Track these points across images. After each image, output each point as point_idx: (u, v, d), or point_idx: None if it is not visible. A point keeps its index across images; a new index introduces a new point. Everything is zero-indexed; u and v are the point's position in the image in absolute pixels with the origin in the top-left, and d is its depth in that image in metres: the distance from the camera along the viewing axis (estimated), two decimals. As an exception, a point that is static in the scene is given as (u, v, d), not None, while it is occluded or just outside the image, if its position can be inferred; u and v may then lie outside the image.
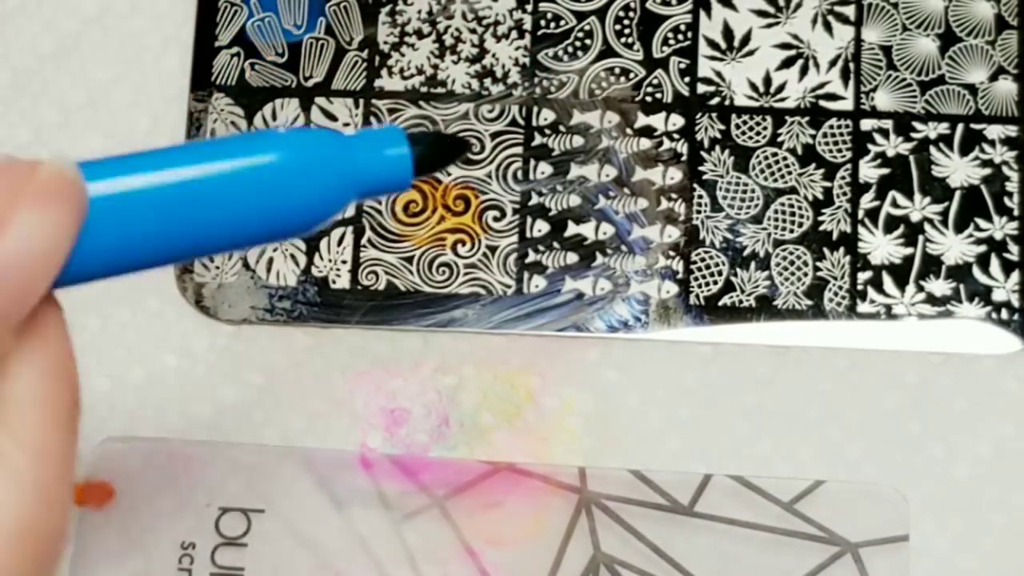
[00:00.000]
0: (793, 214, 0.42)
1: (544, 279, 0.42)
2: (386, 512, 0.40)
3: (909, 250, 0.42)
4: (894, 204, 0.42)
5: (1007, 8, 0.43)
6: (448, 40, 0.43)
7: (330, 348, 0.41)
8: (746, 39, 0.43)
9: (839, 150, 0.42)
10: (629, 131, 0.42)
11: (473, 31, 0.43)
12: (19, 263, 0.25)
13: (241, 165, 0.28)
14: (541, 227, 0.42)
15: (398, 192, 0.32)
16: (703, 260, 0.42)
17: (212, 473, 0.40)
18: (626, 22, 0.43)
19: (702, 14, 0.43)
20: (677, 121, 0.43)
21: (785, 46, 0.43)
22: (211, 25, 0.43)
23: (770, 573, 0.39)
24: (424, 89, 0.43)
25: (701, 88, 0.43)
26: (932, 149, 0.42)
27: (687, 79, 0.43)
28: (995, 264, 0.41)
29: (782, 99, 0.43)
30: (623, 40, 0.43)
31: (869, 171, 0.42)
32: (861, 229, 0.42)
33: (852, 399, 0.41)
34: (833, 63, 0.43)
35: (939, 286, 0.41)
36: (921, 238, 0.42)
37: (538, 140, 0.42)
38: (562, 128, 0.43)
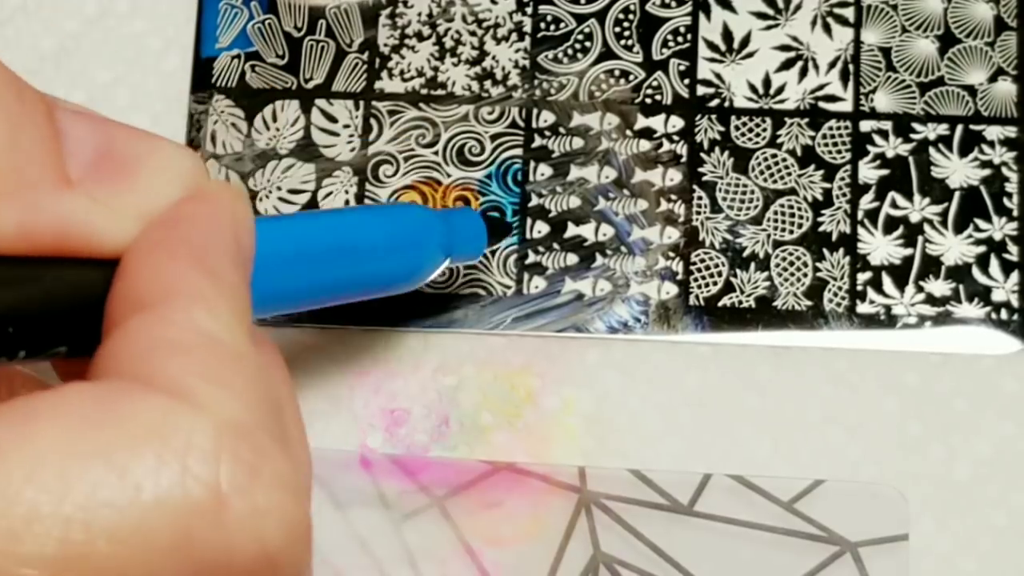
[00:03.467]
0: (793, 215, 0.42)
1: (544, 280, 0.42)
2: (386, 512, 0.40)
3: (908, 251, 0.42)
4: (893, 205, 0.42)
5: (1006, 9, 0.43)
6: (448, 42, 0.43)
7: (330, 348, 0.41)
8: (745, 41, 0.43)
9: (838, 151, 0.42)
10: (629, 133, 0.43)
11: (473, 34, 0.43)
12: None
13: (376, 231, 0.36)
14: (541, 228, 0.42)
15: (473, 258, 0.40)
16: (703, 261, 0.42)
17: (212, 473, 0.40)
18: (626, 24, 0.43)
19: (701, 16, 0.43)
20: (677, 123, 0.43)
21: (784, 48, 0.43)
22: (211, 27, 0.43)
23: (770, 572, 0.39)
24: (424, 91, 0.43)
25: (701, 90, 0.43)
26: (931, 150, 0.42)
27: (687, 81, 0.43)
28: (995, 264, 0.41)
29: (781, 101, 0.43)
30: (623, 42, 0.43)
31: (868, 172, 0.42)
32: (860, 230, 0.42)
33: (852, 399, 0.41)
34: (832, 65, 0.43)
35: (939, 287, 0.41)
36: (920, 239, 0.42)
37: (538, 142, 0.43)
38: (562, 130, 0.43)
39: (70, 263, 0.25)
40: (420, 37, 0.43)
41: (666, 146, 0.42)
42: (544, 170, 0.42)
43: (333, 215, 0.37)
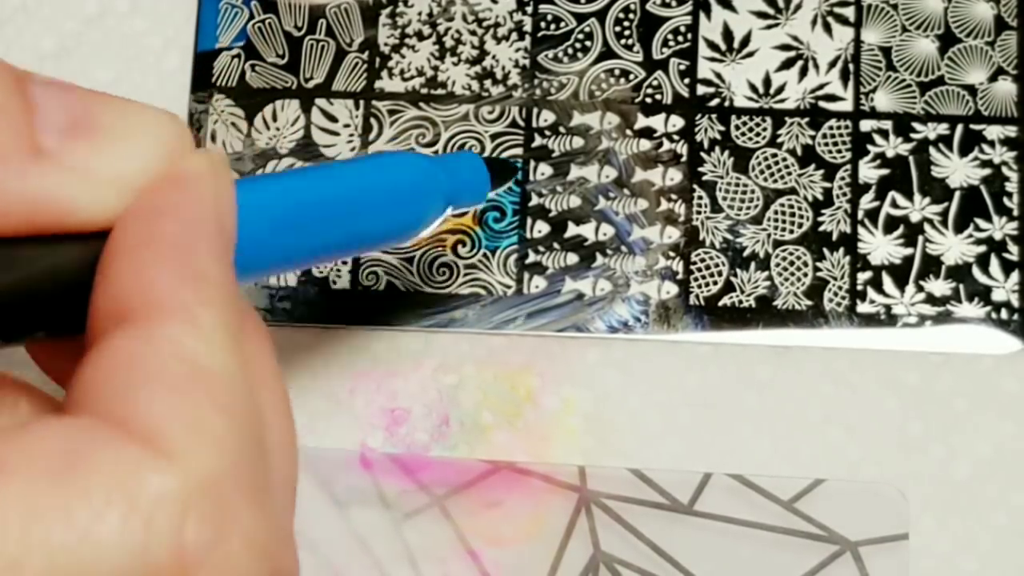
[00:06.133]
0: (793, 215, 0.42)
1: (544, 280, 0.42)
2: (386, 511, 0.40)
3: (909, 250, 0.42)
4: (894, 204, 0.42)
5: (1007, 9, 0.43)
6: (448, 42, 0.43)
7: (330, 348, 0.41)
8: (746, 40, 0.43)
9: (839, 151, 0.42)
10: (629, 132, 0.43)
11: (473, 33, 0.43)
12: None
13: (369, 184, 0.33)
14: (541, 228, 0.42)
15: (477, 204, 0.38)
16: (703, 261, 0.42)
17: (212, 473, 0.40)
18: (626, 24, 0.43)
19: (702, 16, 0.43)
20: (677, 122, 0.43)
21: (785, 47, 0.43)
22: (211, 26, 0.43)
23: (770, 571, 0.39)
24: (424, 91, 0.43)
25: (701, 89, 0.43)
26: (932, 150, 0.42)
27: (687, 80, 0.43)
28: (995, 264, 0.41)
29: (782, 100, 0.43)
30: (623, 42, 0.43)
31: (869, 172, 0.42)
32: (861, 229, 0.42)
33: (852, 399, 0.41)
34: (832, 64, 0.43)
35: (939, 286, 0.41)
36: (921, 238, 0.42)
37: (538, 141, 0.43)
38: (562, 129, 0.43)
39: (48, 240, 0.23)
40: (420, 36, 0.43)
41: (666, 145, 0.42)
42: (544, 169, 0.42)
43: (323, 171, 0.35)
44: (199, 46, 0.43)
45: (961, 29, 0.43)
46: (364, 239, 0.34)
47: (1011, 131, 0.42)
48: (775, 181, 0.42)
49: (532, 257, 0.42)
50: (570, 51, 0.43)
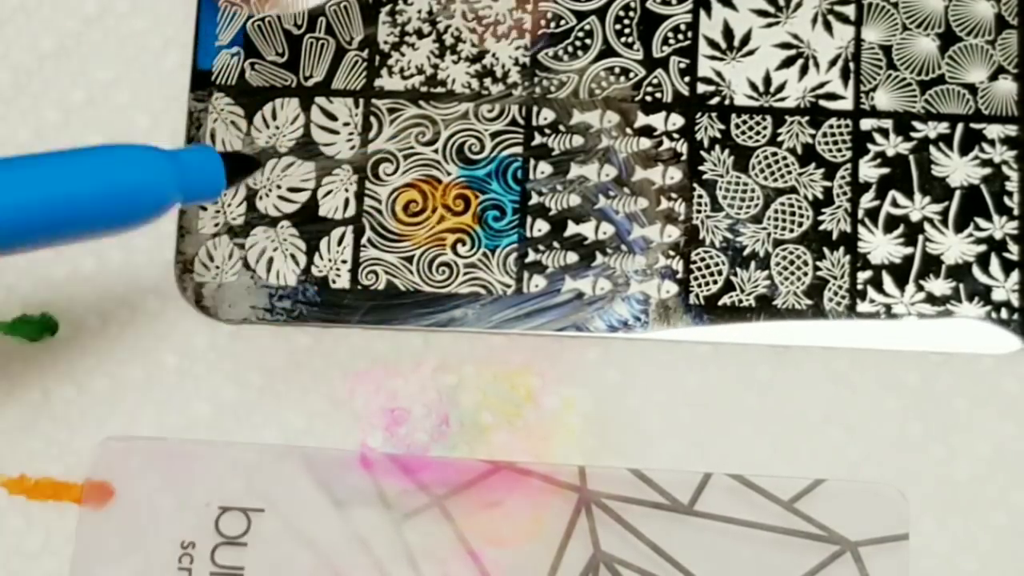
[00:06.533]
0: (793, 214, 0.42)
1: (544, 279, 0.42)
2: (386, 511, 0.40)
3: (909, 250, 0.42)
4: (894, 204, 0.42)
5: (1007, 8, 0.43)
6: (448, 40, 0.43)
7: (330, 348, 0.41)
8: (746, 39, 0.43)
9: (839, 150, 0.42)
10: (629, 131, 0.43)
11: (473, 31, 0.43)
12: None
13: (87, 180, 0.34)
14: (541, 227, 0.42)
15: (212, 199, 0.39)
16: (703, 260, 0.42)
17: (212, 473, 0.40)
18: (626, 22, 0.43)
19: (702, 14, 0.43)
20: (677, 121, 0.43)
21: (785, 46, 0.43)
22: (211, 25, 0.43)
23: (770, 571, 0.39)
24: (424, 89, 0.43)
25: (701, 88, 0.43)
26: (932, 148, 0.42)
27: (687, 79, 0.43)
28: (995, 264, 0.41)
29: (782, 99, 0.43)
30: (623, 40, 0.43)
31: (869, 171, 0.42)
32: (861, 229, 0.42)
33: (852, 399, 0.41)
34: (833, 63, 0.43)
35: (939, 286, 0.41)
36: (921, 238, 0.42)
37: (538, 140, 0.43)
38: (562, 128, 0.43)
39: None
40: (420, 34, 0.43)
41: (666, 144, 0.42)
42: (544, 168, 0.42)
43: (39, 161, 0.34)
44: (199, 45, 0.43)
45: (962, 28, 0.43)
46: (72, 231, 0.34)
47: (1011, 130, 0.42)
48: (775, 180, 0.42)
49: (532, 256, 0.42)
50: (570, 49, 0.43)
